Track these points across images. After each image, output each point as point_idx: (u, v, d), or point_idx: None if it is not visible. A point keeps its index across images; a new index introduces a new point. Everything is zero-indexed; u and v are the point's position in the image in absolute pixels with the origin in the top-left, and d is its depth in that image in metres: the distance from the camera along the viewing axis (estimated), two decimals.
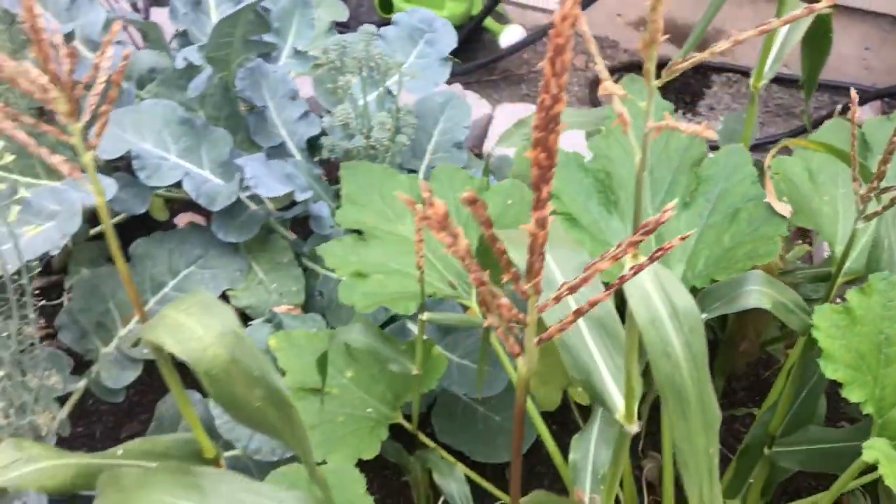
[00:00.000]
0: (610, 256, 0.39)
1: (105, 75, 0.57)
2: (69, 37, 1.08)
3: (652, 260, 0.40)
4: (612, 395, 0.58)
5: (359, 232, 0.96)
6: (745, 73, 2.04)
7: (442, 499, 0.92)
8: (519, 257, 0.39)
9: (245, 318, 1.12)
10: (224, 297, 1.12)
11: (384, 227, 0.98)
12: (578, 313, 0.39)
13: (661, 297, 0.46)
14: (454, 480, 0.88)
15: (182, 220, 1.35)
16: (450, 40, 1.21)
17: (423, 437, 0.97)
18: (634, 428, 0.58)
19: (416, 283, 0.87)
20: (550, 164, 0.33)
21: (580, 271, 0.38)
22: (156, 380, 1.17)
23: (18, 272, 0.83)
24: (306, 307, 1.15)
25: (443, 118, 1.28)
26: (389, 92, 1.15)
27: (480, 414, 1.11)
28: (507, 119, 1.69)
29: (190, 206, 1.40)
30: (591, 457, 0.73)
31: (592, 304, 0.39)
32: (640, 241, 0.39)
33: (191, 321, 0.58)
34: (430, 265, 0.93)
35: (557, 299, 0.37)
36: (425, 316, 0.80)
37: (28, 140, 0.56)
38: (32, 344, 0.88)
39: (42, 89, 0.54)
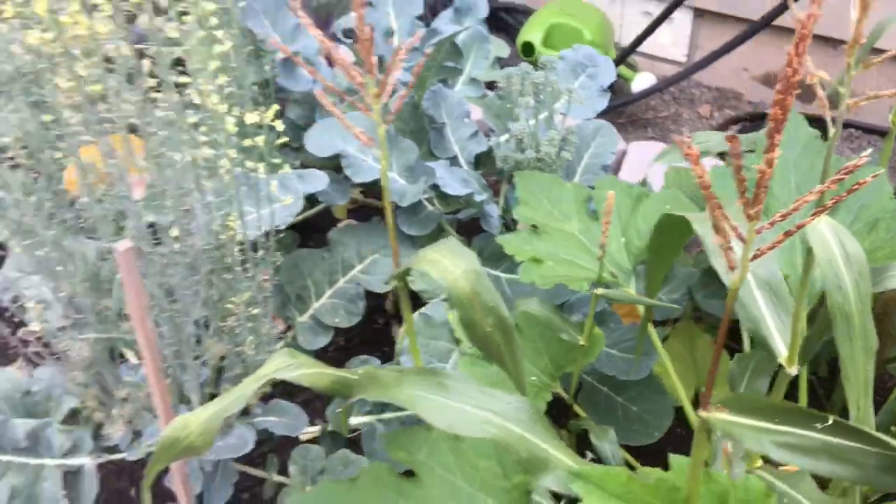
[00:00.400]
0: (791, 209, 0.54)
1: (393, 77, 0.76)
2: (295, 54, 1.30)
3: (825, 208, 0.55)
4: (776, 342, 0.72)
5: (533, 227, 1.13)
6: (865, 130, 2.15)
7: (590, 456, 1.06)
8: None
9: (419, 299, 1.30)
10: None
11: (553, 224, 1.15)
12: (773, 245, 0.55)
13: (836, 242, 0.61)
14: (608, 441, 1.03)
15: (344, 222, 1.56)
16: (609, 75, 1.39)
17: (577, 407, 1.12)
18: (794, 370, 0.72)
19: (583, 269, 1.03)
20: (783, 119, 0.49)
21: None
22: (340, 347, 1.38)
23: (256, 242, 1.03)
24: None
25: (594, 143, 1.45)
26: (551, 116, 1.33)
27: (619, 403, 1.25)
28: (639, 153, 1.85)
29: (363, 208, 1.61)
30: None
31: (774, 245, 0.54)
32: (827, 189, 0.54)
33: (444, 260, 0.76)
34: (593, 257, 1.09)
35: (772, 224, 0.53)
36: (600, 291, 0.96)
37: (339, 114, 0.75)
38: (266, 296, 1.07)
39: (356, 75, 0.73)
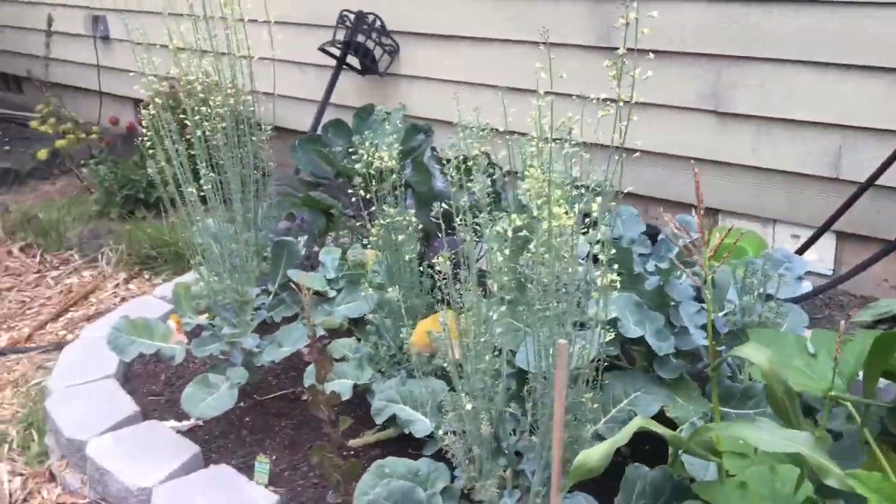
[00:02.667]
0: None
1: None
2: None
3: None
4: None
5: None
6: None
7: None
8: None
9: (674, 424, 1.78)
10: (661, 411, 1.79)
11: (782, 363, 1.64)
12: None
13: None
14: None
15: None
16: (802, 268, 1.93)
17: None
18: None
19: (811, 389, 1.51)
20: None
21: None
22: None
23: None
24: None
25: (789, 318, 1.97)
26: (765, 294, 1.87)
27: None
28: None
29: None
30: None
31: None
32: None
33: (750, 350, 1.27)
34: (817, 383, 1.57)
35: None
36: (834, 394, 1.43)
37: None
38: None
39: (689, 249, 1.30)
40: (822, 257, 2.95)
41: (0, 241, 3.95)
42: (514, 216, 1.52)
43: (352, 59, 3.81)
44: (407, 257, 2.03)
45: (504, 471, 1.63)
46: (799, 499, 1.33)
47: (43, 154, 4.53)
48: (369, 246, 2.07)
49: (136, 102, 5.08)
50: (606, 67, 1.35)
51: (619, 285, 1.51)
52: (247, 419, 2.38)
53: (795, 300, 2.06)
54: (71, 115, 4.54)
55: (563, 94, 1.41)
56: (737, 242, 2.67)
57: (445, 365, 1.63)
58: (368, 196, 2.04)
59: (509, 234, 1.58)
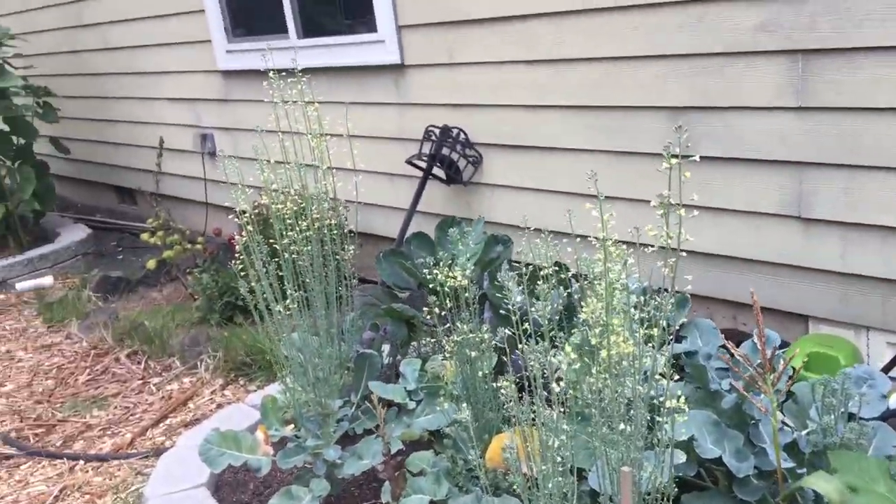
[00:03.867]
0: None
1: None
2: None
3: None
4: None
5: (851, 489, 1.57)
6: None
7: None
8: None
9: None
10: None
11: (865, 486, 1.58)
12: None
13: None
14: None
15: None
16: (886, 385, 1.87)
17: None
18: None
19: None
20: None
21: None
22: None
23: None
24: None
25: (876, 437, 1.89)
26: (847, 413, 1.81)
27: None
28: None
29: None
30: None
31: None
32: None
33: (822, 482, 1.24)
34: None
35: None
36: None
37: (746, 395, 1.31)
38: None
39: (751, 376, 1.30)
40: None
41: (109, 348, 4.19)
42: (568, 349, 1.54)
43: (437, 171, 3.96)
44: (481, 373, 2.07)
45: None
46: None
47: (152, 264, 4.82)
48: (444, 360, 2.11)
49: (238, 214, 5.38)
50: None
51: (686, 407, 1.51)
52: None
53: (883, 418, 1.99)
54: (178, 226, 4.84)
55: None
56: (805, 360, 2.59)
57: (515, 486, 1.64)
58: (443, 313, 2.11)
59: (568, 363, 1.60)
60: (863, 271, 2.79)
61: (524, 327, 2.49)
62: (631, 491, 1.31)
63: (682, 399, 1.49)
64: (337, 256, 2.33)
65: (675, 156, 1.37)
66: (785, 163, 2.84)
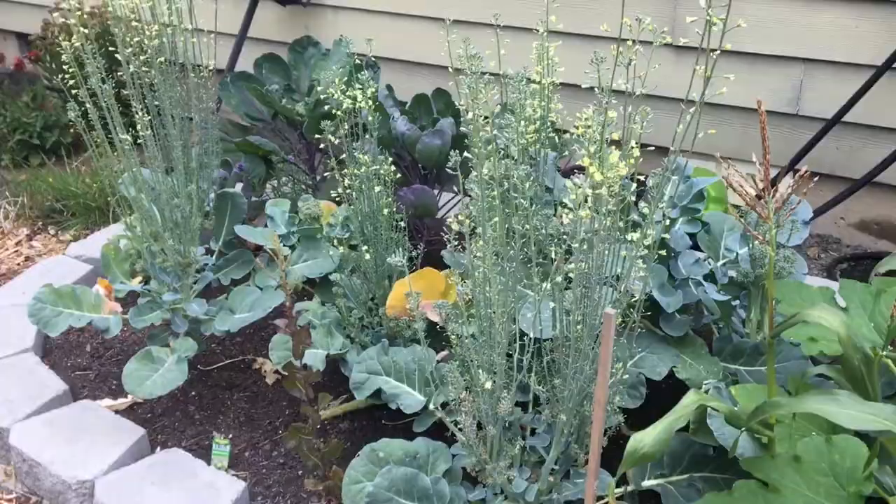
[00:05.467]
0: None
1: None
2: None
3: None
4: None
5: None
6: None
7: None
8: None
9: (685, 386, 1.65)
10: (671, 373, 1.66)
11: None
12: None
13: None
14: None
15: None
16: (807, 213, 1.83)
17: None
18: None
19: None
20: None
21: None
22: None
23: None
24: None
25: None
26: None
27: None
28: None
29: None
30: None
31: None
32: None
33: (825, 314, 1.13)
34: None
35: None
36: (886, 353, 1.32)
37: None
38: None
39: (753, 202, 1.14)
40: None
41: None
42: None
43: None
44: (385, 211, 1.80)
45: (522, 451, 1.47)
46: (859, 475, 1.21)
47: None
48: (338, 198, 1.82)
49: (21, 36, 4.55)
50: None
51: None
52: (193, 393, 2.12)
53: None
54: None
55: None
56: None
57: (450, 334, 1.43)
58: (322, 144, 1.78)
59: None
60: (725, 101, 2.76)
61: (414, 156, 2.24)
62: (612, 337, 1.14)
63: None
64: (192, 74, 1.91)
65: None
66: None
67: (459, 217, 1.29)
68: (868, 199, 2.77)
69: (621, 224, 1.30)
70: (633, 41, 1.20)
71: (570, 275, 1.32)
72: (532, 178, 1.46)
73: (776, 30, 2.60)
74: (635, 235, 1.30)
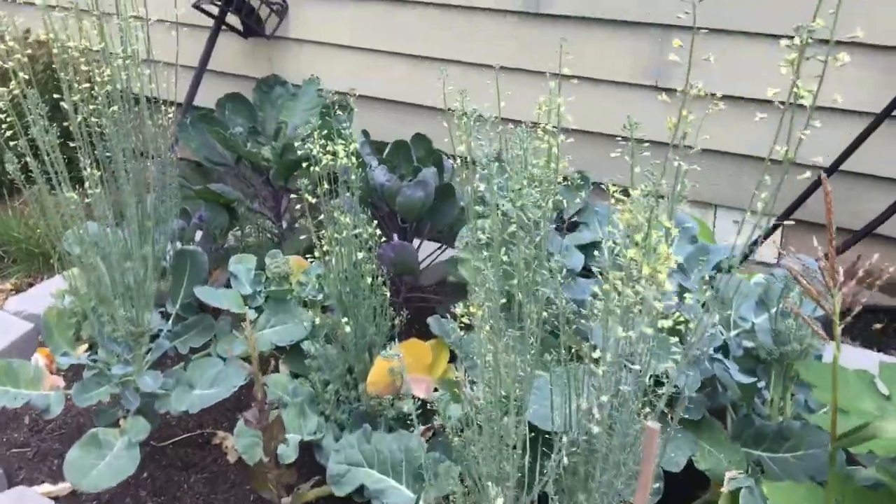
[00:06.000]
0: None
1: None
2: None
3: None
4: None
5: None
6: None
7: None
8: None
9: (702, 475, 1.48)
10: (690, 461, 1.49)
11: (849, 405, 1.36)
12: None
13: None
14: None
15: None
16: None
17: None
18: None
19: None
20: None
21: None
22: None
23: None
24: None
25: None
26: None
27: None
28: None
29: None
30: None
31: None
32: None
33: None
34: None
35: None
36: None
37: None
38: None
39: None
40: (767, 246, 2.77)
41: None
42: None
43: (232, 19, 3.27)
44: (369, 279, 1.61)
45: None
46: None
47: None
48: (312, 261, 1.62)
49: None
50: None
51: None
52: (144, 475, 1.89)
53: None
54: None
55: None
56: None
57: (444, 423, 1.23)
58: (292, 195, 1.58)
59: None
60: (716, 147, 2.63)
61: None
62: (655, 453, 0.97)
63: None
64: (149, 121, 1.70)
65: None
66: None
67: (470, 308, 1.10)
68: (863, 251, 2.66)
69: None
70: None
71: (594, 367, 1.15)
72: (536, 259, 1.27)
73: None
74: (667, 323, 1.13)
